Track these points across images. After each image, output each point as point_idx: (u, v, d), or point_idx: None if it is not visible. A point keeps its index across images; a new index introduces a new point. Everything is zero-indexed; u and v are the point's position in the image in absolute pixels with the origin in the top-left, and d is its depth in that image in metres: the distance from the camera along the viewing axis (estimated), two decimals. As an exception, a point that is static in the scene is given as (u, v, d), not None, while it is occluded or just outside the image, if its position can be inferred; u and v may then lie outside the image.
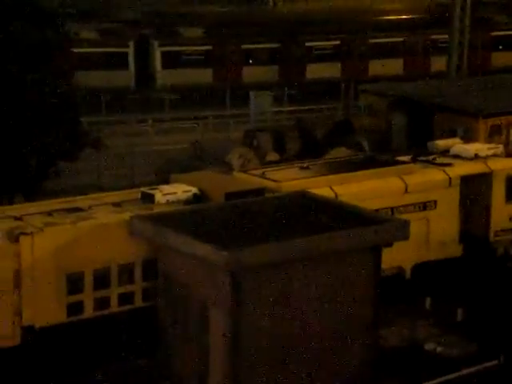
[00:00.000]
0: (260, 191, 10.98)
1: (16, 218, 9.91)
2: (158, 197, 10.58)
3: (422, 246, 12.33)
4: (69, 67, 14.80)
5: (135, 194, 10.93)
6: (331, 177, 11.95)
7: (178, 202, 10.59)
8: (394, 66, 26.14)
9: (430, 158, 13.29)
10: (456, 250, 12.77)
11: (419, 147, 14.53)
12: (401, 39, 26.50)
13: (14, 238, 9.40)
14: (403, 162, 12.94)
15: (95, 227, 9.82)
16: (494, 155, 13.47)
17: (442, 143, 14.04)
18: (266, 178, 11.73)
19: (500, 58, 25.78)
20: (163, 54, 25.03)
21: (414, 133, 18.11)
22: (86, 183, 16.94)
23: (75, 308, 9.70)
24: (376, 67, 25.97)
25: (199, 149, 19.17)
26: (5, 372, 9.33)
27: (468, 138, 15.71)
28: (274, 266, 9.00)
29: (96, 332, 9.77)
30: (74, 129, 14.60)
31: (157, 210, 10.32)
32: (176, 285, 9.47)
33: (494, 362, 10.30)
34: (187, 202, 10.63)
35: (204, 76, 25.16)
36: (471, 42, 23.74)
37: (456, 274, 12.57)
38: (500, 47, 26.43)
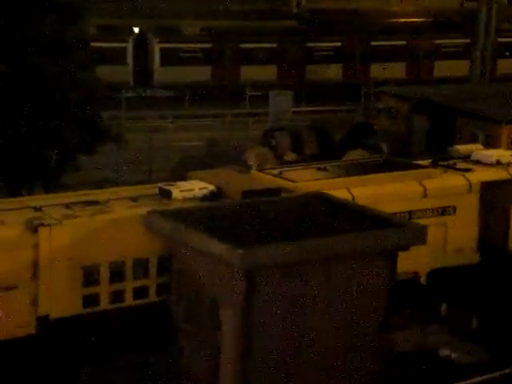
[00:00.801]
0: (277, 191, 10.95)
1: (35, 209, 9.99)
2: (175, 193, 10.60)
3: (438, 251, 12.18)
4: (90, 61, 14.91)
5: (152, 189, 10.96)
6: (349, 178, 11.84)
7: (195, 198, 10.60)
8: (396, 69, 25.95)
9: (451, 162, 13.14)
10: (473, 257, 12.61)
11: (440, 151, 14.38)
12: (403, 43, 26.27)
13: (33, 228, 9.49)
14: (423, 166, 12.79)
15: (112, 221, 9.87)
16: (516, 162, 13.28)
17: (462, 148, 13.87)
18: (282, 178, 11.68)
19: (506, 65, 25.33)
20: (162, 50, 24.90)
21: (435, 137, 17.95)
22: (104, 177, 17.09)
23: (91, 300, 9.77)
24: (378, 70, 25.82)
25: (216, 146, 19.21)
26: (18, 361, 9.43)
27: (490, 144, 15.52)
28: (289, 265, 8.97)
29: (110, 325, 9.83)
30: (94, 123, 14.72)
31: (173, 206, 10.33)
32: (189, 282, 9.49)
33: (508, 370, 10.16)
34: (204, 198, 10.64)
35: (202, 74, 25.01)
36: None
37: (473, 281, 12.41)
38: (506, 54, 25.96)
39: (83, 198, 10.40)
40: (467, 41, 25.80)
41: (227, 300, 8.91)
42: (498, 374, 10.10)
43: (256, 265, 8.75)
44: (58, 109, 13.98)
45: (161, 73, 24.32)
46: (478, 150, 13.62)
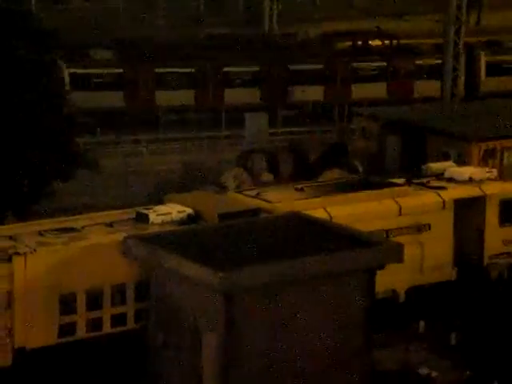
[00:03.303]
0: (254, 212, 10.98)
1: (9, 238, 9.86)
2: (153, 217, 10.56)
3: (415, 269, 12.31)
4: (63, 88, 14.77)
5: (129, 214, 10.91)
6: (325, 198, 11.97)
7: (172, 222, 10.57)
8: (315, 92, 26.19)
9: (424, 180, 13.35)
10: (450, 274, 12.76)
11: (413, 170, 14.60)
12: (321, 66, 26.49)
13: (6, 257, 9.33)
14: (397, 185, 12.99)
15: (88, 248, 9.78)
16: (488, 179, 13.54)
17: (435, 166, 14.12)
18: (260, 199, 11.75)
19: (423, 87, 25.69)
20: (71, 75, 24.31)
21: (408, 156, 18.24)
22: (80, 203, 16.88)
23: (67, 329, 9.59)
24: (298, 93, 26.00)
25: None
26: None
27: (462, 162, 15.82)
28: (268, 287, 8.96)
29: (88, 353, 9.64)
30: (68, 149, 14.58)
31: (150, 230, 10.29)
32: (168, 306, 9.39)
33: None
34: (181, 222, 10.61)
35: (115, 99, 24.43)
36: (402, 70, 24.10)
37: (450, 297, 12.53)
38: (424, 76, 26.27)
39: (58, 226, 10.31)
40: (384, 64, 26.44)
41: (208, 323, 8.84)
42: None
43: (236, 287, 8.73)
44: (32, 135, 13.81)
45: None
46: (450, 168, 13.88)
